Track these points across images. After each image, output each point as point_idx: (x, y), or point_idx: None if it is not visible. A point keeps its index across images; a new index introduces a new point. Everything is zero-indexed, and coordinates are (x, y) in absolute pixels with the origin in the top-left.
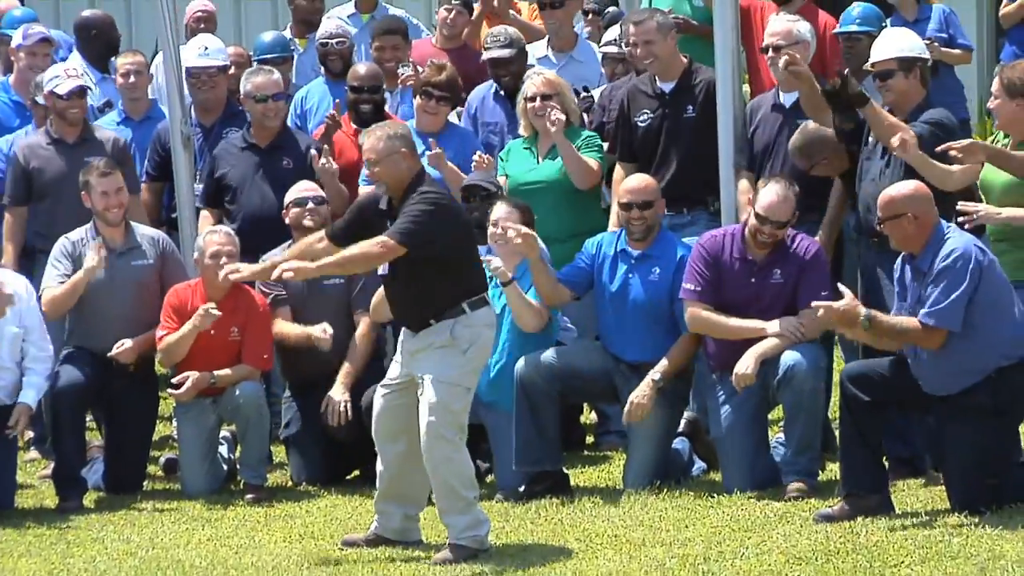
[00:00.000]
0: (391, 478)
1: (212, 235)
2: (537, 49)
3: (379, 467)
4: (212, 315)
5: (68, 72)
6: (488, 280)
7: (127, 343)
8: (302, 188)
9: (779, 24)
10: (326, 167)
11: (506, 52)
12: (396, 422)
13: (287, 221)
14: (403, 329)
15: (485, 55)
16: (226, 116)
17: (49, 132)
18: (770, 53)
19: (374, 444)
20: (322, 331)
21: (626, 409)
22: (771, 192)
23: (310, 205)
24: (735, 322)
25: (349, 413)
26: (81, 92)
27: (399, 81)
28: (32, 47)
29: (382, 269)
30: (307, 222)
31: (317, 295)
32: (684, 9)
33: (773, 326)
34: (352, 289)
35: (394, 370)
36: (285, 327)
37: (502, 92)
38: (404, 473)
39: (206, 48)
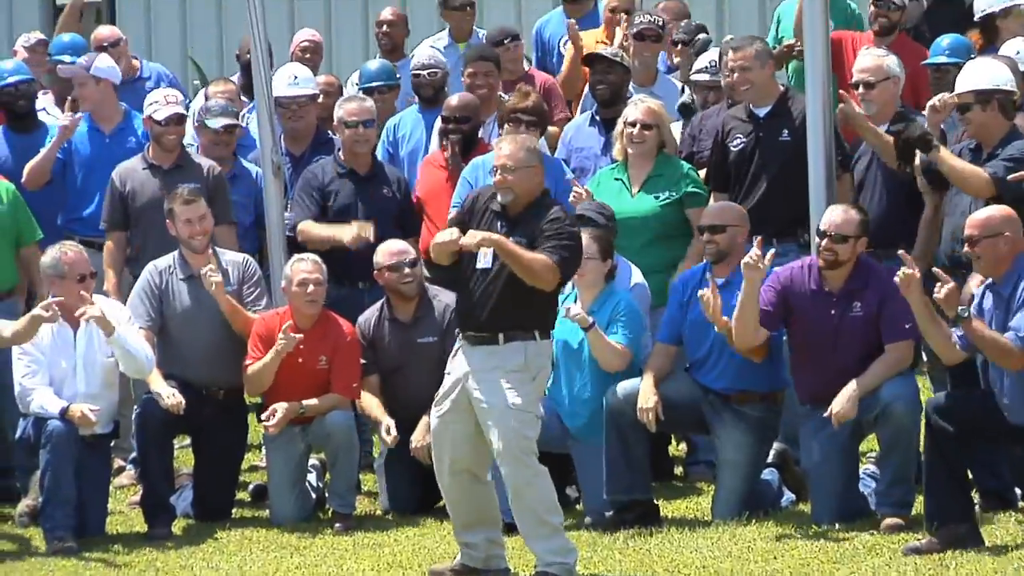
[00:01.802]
0: (462, 508)
1: (299, 263)
2: None
3: (447, 499)
4: (293, 339)
5: (168, 98)
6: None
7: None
8: (393, 252)
9: (868, 60)
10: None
11: (608, 52)
12: (458, 453)
13: (380, 283)
14: (459, 351)
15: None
16: (316, 145)
17: (145, 157)
18: (860, 89)
19: None
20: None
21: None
22: (834, 209)
23: (406, 270)
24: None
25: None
26: (179, 119)
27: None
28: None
29: (483, 262)
30: (406, 289)
31: (413, 352)
32: None
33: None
34: (445, 346)
35: (446, 392)
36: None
37: (598, 118)
38: (471, 498)
39: (296, 78)
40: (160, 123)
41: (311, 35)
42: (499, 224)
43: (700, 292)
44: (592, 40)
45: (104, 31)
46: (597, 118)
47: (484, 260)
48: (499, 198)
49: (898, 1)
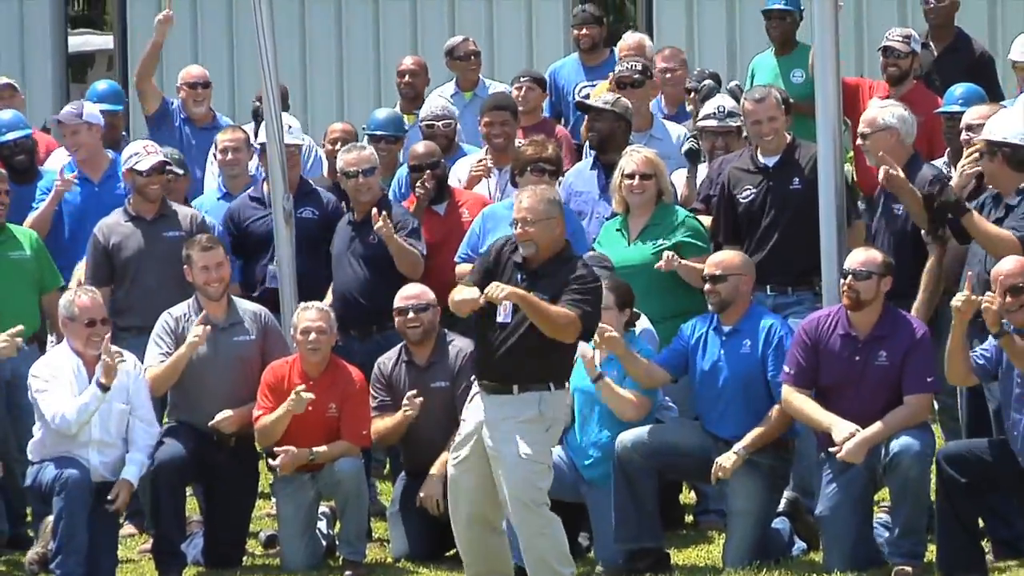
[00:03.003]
0: (475, 559)
1: (305, 311)
2: None
3: (460, 549)
4: (304, 399)
5: (148, 149)
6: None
7: (228, 413)
8: (403, 296)
9: (868, 111)
10: None
11: (600, 101)
12: (472, 503)
13: (396, 327)
14: (478, 396)
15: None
16: (299, 195)
17: (127, 209)
18: (858, 141)
19: None
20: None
21: (712, 471)
22: (858, 251)
23: (411, 315)
24: (820, 414)
25: (440, 504)
26: (161, 168)
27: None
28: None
29: (503, 316)
30: (411, 334)
31: (426, 396)
32: (782, 86)
33: (844, 429)
34: (457, 391)
35: (462, 448)
36: (380, 424)
37: (600, 163)
38: (487, 549)
39: (290, 127)
40: (142, 174)
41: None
42: (519, 276)
43: (580, 352)
44: (603, 89)
45: (194, 71)
46: (598, 162)
47: (504, 314)
48: (521, 250)
49: (902, 49)
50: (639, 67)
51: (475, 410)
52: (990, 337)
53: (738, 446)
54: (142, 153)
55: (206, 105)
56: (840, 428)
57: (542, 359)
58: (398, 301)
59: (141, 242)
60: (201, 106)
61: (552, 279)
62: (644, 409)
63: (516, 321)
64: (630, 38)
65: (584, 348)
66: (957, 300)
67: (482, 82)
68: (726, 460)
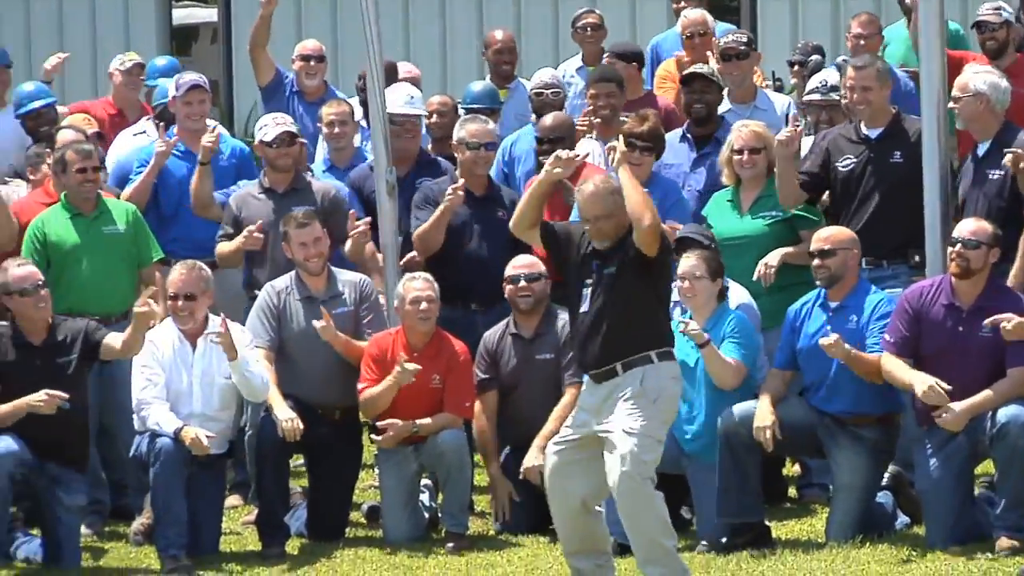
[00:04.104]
0: (570, 536)
1: (412, 281)
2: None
3: (556, 523)
4: (410, 370)
5: (276, 120)
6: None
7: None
8: (517, 264)
9: (961, 76)
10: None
11: (706, 70)
12: (570, 479)
13: (506, 296)
14: (585, 386)
15: (686, 71)
16: (419, 167)
17: (261, 182)
18: (950, 105)
19: None
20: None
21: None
22: (966, 220)
23: (522, 283)
24: (904, 372)
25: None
26: (290, 139)
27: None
28: (186, 96)
29: (584, 305)
30: (521, 302)
31: (530, 368)
32: (915, 62)
33: (923, 382)
34: (562, 362)
35: (569, 429)
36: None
37: (689, 135)
38: (582, 527)
39: (412, 97)
40: (271, 144)
41: (408, 71)
42: (594, 263)
43: (822, 342)
44: (673, 67)
45: (310, 44)
46: (688, 135)
47: (584, 303)
48: (596, 245)
49: (994, 20)
50: (744, 38)
51: (586, 397)
52: None
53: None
54: (270, 124)
55: (319, 78)
56: (920, 381)
57: (629, 331)
58: (509, 270)
59: (271, 215)
60: (314, 79)
61: (622, 257)
62: (743, 376)
63: (594, 304)
64: (692, 13)
65: (689, 321)
66: None
67: (518, 80)
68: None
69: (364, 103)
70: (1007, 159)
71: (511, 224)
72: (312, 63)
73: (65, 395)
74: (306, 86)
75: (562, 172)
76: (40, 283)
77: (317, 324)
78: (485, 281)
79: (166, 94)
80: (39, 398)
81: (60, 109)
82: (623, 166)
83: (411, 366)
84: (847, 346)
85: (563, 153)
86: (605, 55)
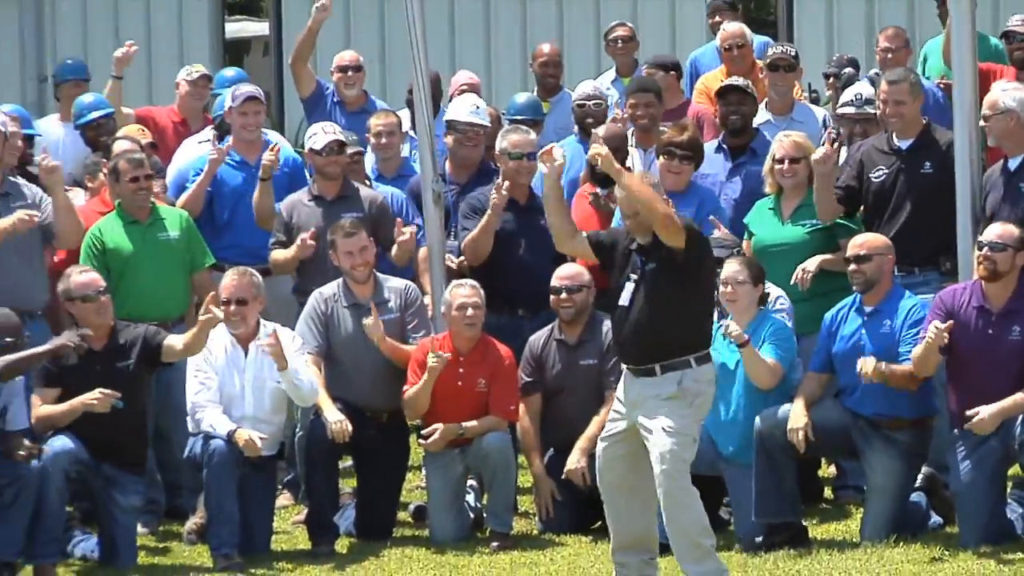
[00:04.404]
0: (621, 529)
1: (458, 288)
2: (758, 116)
3: (608, 519)
4: (443, 359)
5: (325, 129)
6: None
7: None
8: (561, 275)
9: (990, 94)
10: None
11: (741, 83)
12: (620, 473)
13: (551, 304)
14: (624, 380)
15: (722, 84)
16: (480, 173)
17: (311, 189)
18: (980, 123)
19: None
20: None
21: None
22: (995, 225)
23: (564, 295)
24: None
25: (587, 477)
26: (339, 147)
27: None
28: (241, 107)
29: (625, 299)
30: (564, 312)
31: (574, 374)
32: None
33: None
34: (604, 367)
35: (615, 422)
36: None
37: (725, 146)
38: (634, 521)
39: (477, 107)
40: (320, 152)
41: (470, 77)
42: (639, 260)
43: (860, 370)
44: (714, 80)
45: (347, 55)
46: (724, 146)
47: (624, 297)
48: (639, 240)
49: (1022, 31)
50: (793, 51)
51: (625, 389)
52: None
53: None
54: (319, 134)
55: (357, 88)
56: (930, 331)
57: (668, 330)
58: (554, 280)
59: (320, 222)
60: (352, 89)
61: (663, 253)
62: (780, 377)
63: (635, 301)
64: (731, 26)
65: (729, 323)
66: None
67: (640, 69)
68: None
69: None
70: None
71: (555, 243)
72: (350, 73)
73: (118, 394)
74: (346, 96)
75: (547, 168)
76: (101, 289)
77: (367, 321)
78: (531, 288)
79: (224, 106)
80: (93, 396)
81: (126, 111)
82: (611, 166)
83: (443, 355)
84: (882, 367)
85: (547, 152)
86: (645, 66)
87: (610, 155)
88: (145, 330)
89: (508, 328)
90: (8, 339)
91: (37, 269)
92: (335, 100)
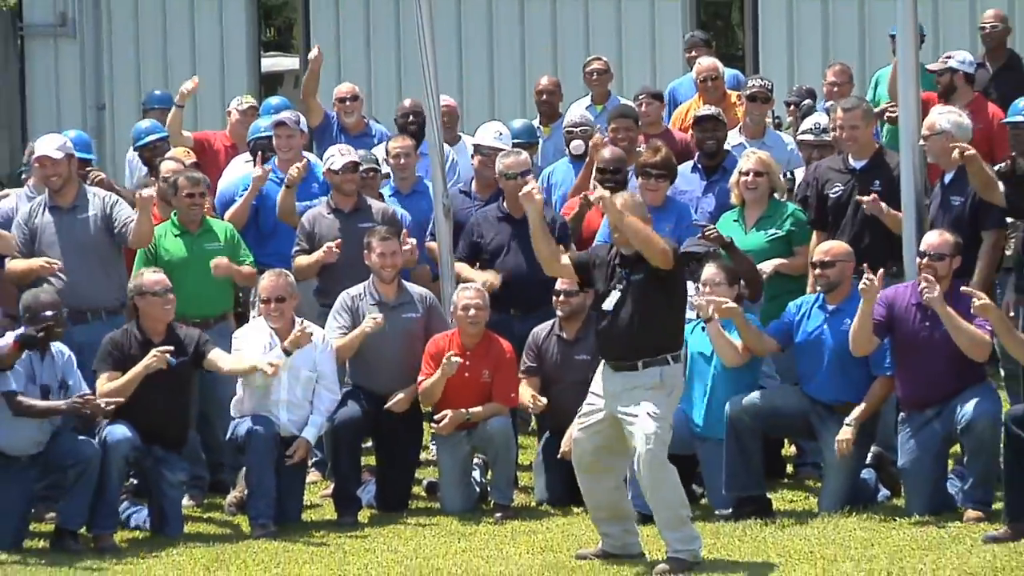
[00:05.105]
0: (596, 504)
1: (464, 291)
2: (731, 137)
3: (584, 497)
4: (455, 363)
5: (342, 151)
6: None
7: (400, 395)
8: (562, 280)
9: (928, 117)
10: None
11: (715, 112)
12: (595, 458)
13: (553, 304)
14: (602, 374)
15: (698, 113)
16: (500, 190)
17: (329, 202)
18: (920, 141)
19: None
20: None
21: (836, 448)
22: (932, 234)
23: (562, 297)
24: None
25: None
26: (354, 167)
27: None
28: (275, 131)
29: (608, 304)
30: (560, 312)
31: (570, 367)
32: None
33: None
34: (596, 363)
35: (590, 414)
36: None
37: (700, 165)
38: (607, 496)
39: (500, 134)
40: (337, 172)
41: (446, 100)
42: (623, 271)
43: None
44: (687, 109)
45: (344, 88)
46: (699, 165)
47: (608, 303)
48: (623, 250)
49: (937, 69)
50: (769, 85)
51: (603, 383)
52: None
53: (850, 418)
54: (336, 155)
55: (356, 115)
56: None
57: (649, 332)
58: (558, 284)
59: (338, 232)
60: (351, 116)
61: (646, 266)
62: (743, 358)
63: (620, 306)
64: (706, 60)
65: (699, 299)
66: (976, 305)
67: (612, 97)
68: (844, 435)
69: (414, 136)
70: (955, 155)
71: (543, 268)
72: (348, 103)
73: (171, 348)
74: (346, 123)
75: (531, 206)
76: (168, 289)
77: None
78: (523, 290)
79: (258, 131)
80: (151, 357)
81: (185, 134)
82: (612, 208)
83: (455, 359)
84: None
85: (525, 191)
86: (641, 95)
87: (612, 199)
88: (199, 335)
89: (500, 324)
90: (48, 313)
91: (114, 273)
92: (339, 127)
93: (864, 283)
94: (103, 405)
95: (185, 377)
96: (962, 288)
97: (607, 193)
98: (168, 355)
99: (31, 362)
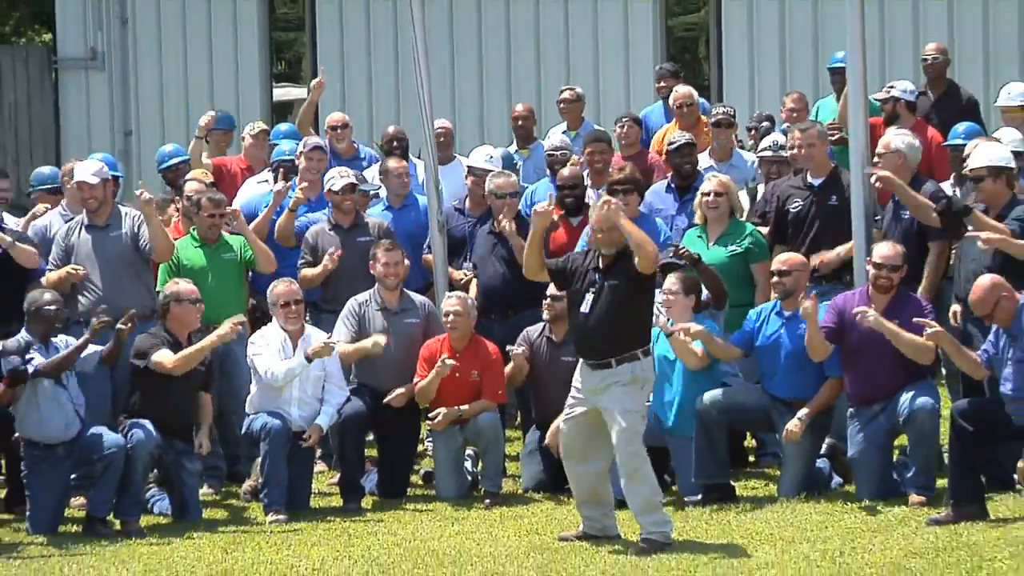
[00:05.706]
0: (580, 488)
1: (448, 299)
2: (701, 160)
3: (570, 481)
4: (447, 365)
5: (341, 173)
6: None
7: (399, 390)
8: (550, 288)
9: (883, 137)
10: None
11: (688, 139)
12: (580, 447)
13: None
14: (581, 372)
15: (673, 143)
16: (491, 207)
17: (330, 219)
18: (875, 159)
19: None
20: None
21: (784, 435)
22: (884, 246)
23: (548, 301)
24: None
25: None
26: (352, 188)
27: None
28: (309, 153)
29: (585, 307)
30: (545, 315)
31: (556, 367)
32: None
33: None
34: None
35: (574, 407)
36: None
37: (673, 186)
38: (591, 481)
39: (491, 156)
40: (337, 192)
41: (442, 123)
42: (598, 275)
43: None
44: (664, 132)
45: (336, 117)
46: (672, 186)
47: (585, 305)
48: (603, 251)
49: (881, 98)
50: (732, 111)
51: (582, 380)
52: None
53: (802, 413)
54: (336, 178)
55: (346, 142)
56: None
57: (621, 332)
58: (549, 289)
59: (339, 246)
60: (342, 143)
61: (620, 272)
62: (703, 362)
63: (595, 308)
64: (682, 89)
65: (660, 318)
66: (928, 333)
67: (585, 123)
68: (792, 426)
69: (404, 156)
70: (874, 180)
71: (524, 272)
72: (339, 131)
73: (243, 318)
74: (338, 148)
75: (540, 223)
76: (199, 299)
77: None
78: (502, 298)
79: (282, 153)
80: (226, 327)
81: (204, 160)
82: (617, 215)
83: (448, 362)
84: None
85: (539, 207)
86: (625, 118)
87: (620, 207)
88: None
89: (480, 328)
90: (50, 308)
91: (143, 281)
92: (332, 152)
93: (803, 309)
94: (127, 325)
95: (207, 375)
96: (914, 320)
97: (618, 202)
98: (241, 325)
99: (35, 353)
